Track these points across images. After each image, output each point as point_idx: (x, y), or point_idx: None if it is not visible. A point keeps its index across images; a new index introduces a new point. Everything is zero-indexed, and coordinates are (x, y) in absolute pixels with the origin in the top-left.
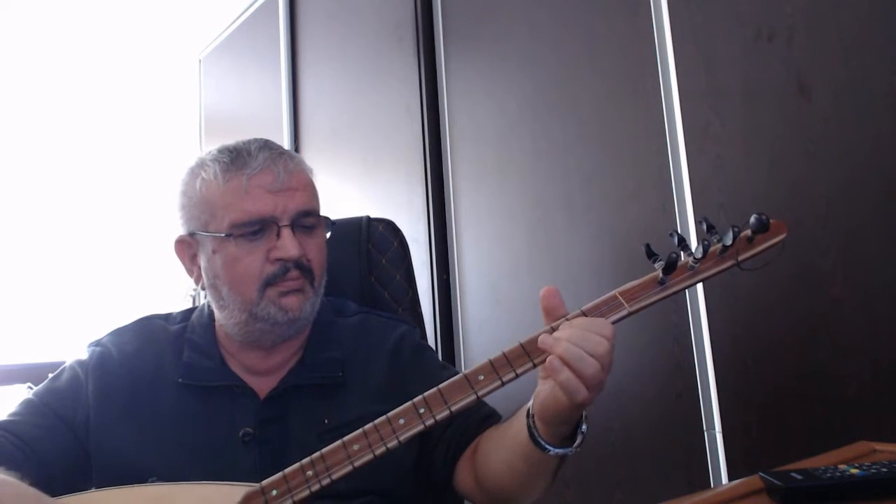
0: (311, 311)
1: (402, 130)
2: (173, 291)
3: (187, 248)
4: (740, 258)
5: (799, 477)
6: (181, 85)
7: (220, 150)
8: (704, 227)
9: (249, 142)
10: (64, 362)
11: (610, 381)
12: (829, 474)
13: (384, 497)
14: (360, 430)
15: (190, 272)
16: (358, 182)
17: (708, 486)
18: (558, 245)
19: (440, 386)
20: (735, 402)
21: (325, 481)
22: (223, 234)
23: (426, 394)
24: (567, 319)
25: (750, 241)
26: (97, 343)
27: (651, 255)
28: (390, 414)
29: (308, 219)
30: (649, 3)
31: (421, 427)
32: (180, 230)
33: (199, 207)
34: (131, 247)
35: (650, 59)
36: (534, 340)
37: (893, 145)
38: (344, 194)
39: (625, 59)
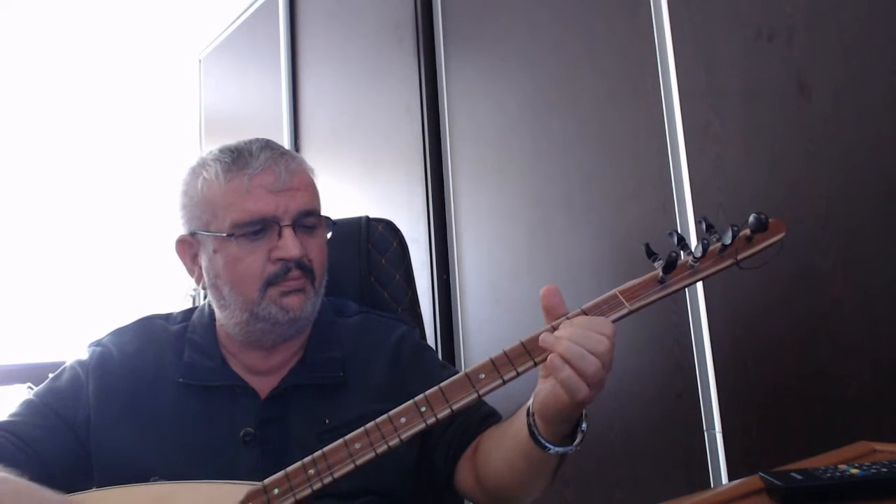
0: (312, 311)
1: (402, 130)
2: (173, 291)
3: (188, 247)
4: (739, 257)
5: (799, 477)
6: (181, 85)
7: (222, 150)
8: (704, 226)
9: (251, 142)
10: (64, 362)
11: (610, 381)
12: (829, 474)
13: (385, 496)
14: (361, 429)
15: (191, 272)
16: (358, 182)
17: (708, 486)
18: (558, 245)
19: (441, 384)
20: (735, 402)
21: (327, 479)
22: (224, 234)
23: (427, 392)
24: (567, 318)
25: (749, 241)
26: (97, 343)
27: (651, 254)
28: (392, 412)
29: (309, 219)
30: (649, 3)
31: (422, 425)
32: (181, 230)
33: (201, 207)
34: (131, 247)
35: (650, 59)
36: (534, 339)
37: (893, 145)
38: (344, 194)
39: (625, 59)
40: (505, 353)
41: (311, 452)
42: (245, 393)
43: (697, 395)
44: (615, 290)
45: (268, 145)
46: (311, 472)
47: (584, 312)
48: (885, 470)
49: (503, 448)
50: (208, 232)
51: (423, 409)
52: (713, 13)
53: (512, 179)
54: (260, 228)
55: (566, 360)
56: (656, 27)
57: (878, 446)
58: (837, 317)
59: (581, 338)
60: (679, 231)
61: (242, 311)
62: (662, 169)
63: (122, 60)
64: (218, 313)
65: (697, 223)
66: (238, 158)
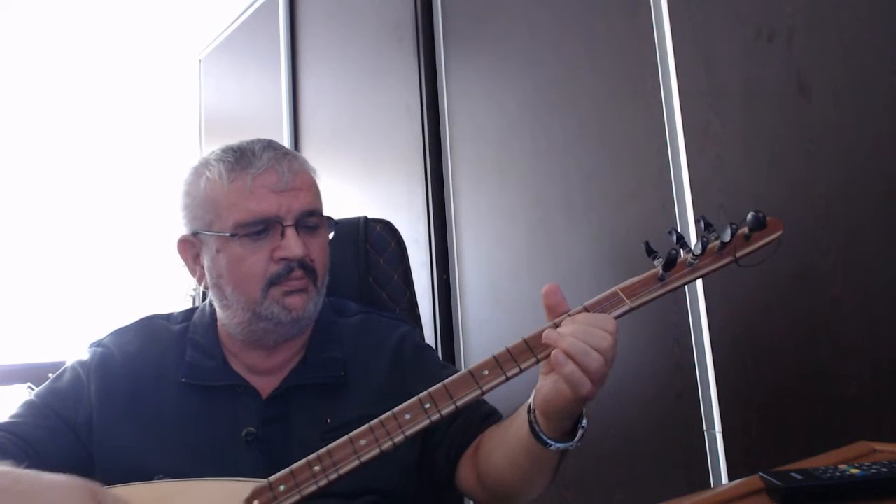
0: (314, 311)
1: (402, 130)
2: (173, 291)
3: (190, 247)
4: (738, 255)
5: (799, 477)
6: (181, 85)
7: (225, 150)
8: (702, 225)
9: (253, 142)
10: (64, 362)
11: (610, 381)
12: (829, 474)
13: (387, 496)
14: (366, 426)
15: (193, 272)
16: (358, 182)
17: (708, 486)
18: (558, 245)
19: (445, 381)
20: (735, 402)
21: (333, 476)
22: (227, 234)
23: (431, 389)
24: (570, 315)
25: (747, 239)
26: (98, 343)
27: (650, 252)
28: (396, 409)
29: (312, 219)
30: (649, 3)
31: (426, 422)
32: (183, 230)
33: (203, 207)
34: (131, 247)
35: (650, 59)
36: (537, 336)
37: (893, 145)
38: (344, 194)
39: (625, 59)
40: (508, 349)
41: (313, 452)
42: (247, 392)
43: (697, 395)
44: (616, 288)
45: (270, 145)
46: (317, 468)
47: (586, 309)
48: (885, 470)
49: (505, 446)
50: (211, 232)
51: (428, 405)
52: (713, 13)
53: (512, 179)
54: (263, 228)
55: (570, 356)
56: (656, 27)
57: (878, 446)
58: (837, 317)
59: (584, 334)
60: (679, 231)
61: (245, 310)
62: (662, 169)
63: (122, 60)
64: (220, 313)
65: (697, 222)
66: (241, 158)
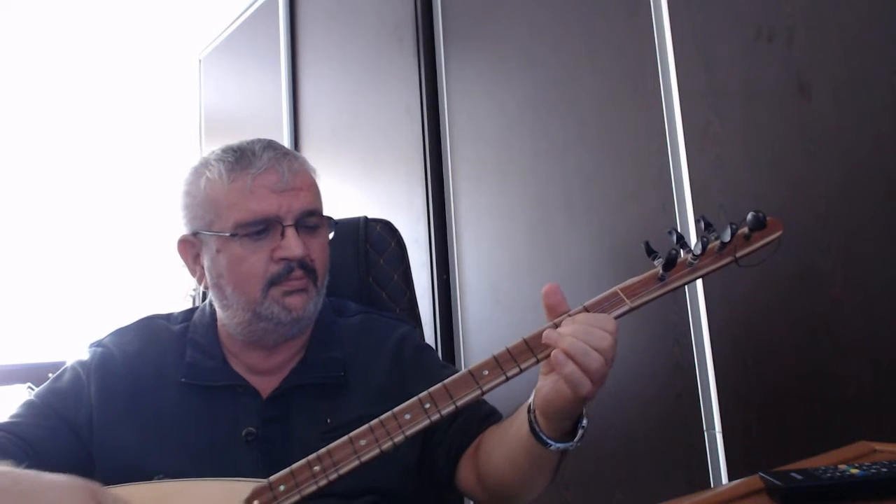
0: (314, 311)
1: (402, 130)
2: (173, 291)
3: (190, 247)
4: (738, 255)
5: (799, 477)
6: (181, 85)
7: (225, 150)
8: (702, 225)
9: (253, 142)
10: (64, 362)
11: (610, 381)
12: (829, 474)
13: (387, 496)
14: (366, 426)
15: (193, 272)
16: (358, 182)
17: (708, 486)
18: (558, 245)
19: (445, 381)
20: (735, 402)
21: (333, 476)
22: (228, 234)
23: (431, 389)
24: (570, 315)
25: (747, 239)
26: (98, 343)
27: (650, 252)
28: (396, 409)
29: (312, 219)
30: (649, 3)
31: (426, 422)
32: (183, 230)
33: (204, 207)
34: (131, 247)
35: (650, 59)
36: (537, 336)
37: (893, 145)
38: (344, 194)
39: (625, 59)
40: (508, 349)
41: (313, 452)
42: (247, 392)
43: (697, 395)
44: (616, 288)
45: (270, 145)
46: (317, 468)
47: (586, 309)
48: (885, 470)
49: (504, 446)
50: (211, 232)
51: (428, 405)
52: (713, 13)
53: (512, 179)
54: (263, 228)
55: (570, 356)
56: (656, 27)
57: (878, 446)
58: (837, 317)
59: (584, 334)
60: (679, 231)
61: (245, 310)
62: (662, 169)
63: (122, 60)
64: (220, 313)
65: (697, 222)
66: (241, 158)
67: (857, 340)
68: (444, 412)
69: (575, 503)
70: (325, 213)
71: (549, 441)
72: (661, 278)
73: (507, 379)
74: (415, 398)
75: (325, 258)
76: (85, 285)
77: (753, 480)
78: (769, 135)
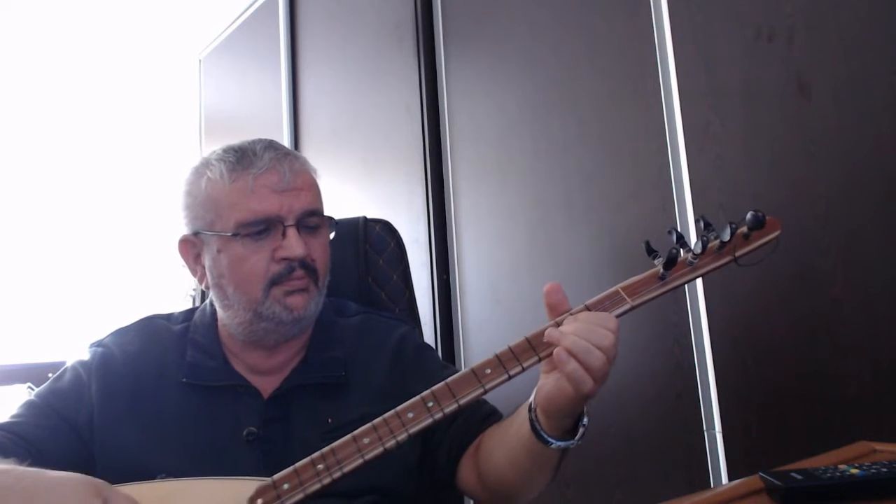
0: (315, 311)
1: (402, 130)
2: (173, 292)
3: (191, 247)
4: (737, 254)
5: (799, 477)
6: (181, 85)
7: (226, 150)
8: (702, 225)
9: (254, 142)
10: (64, 362)
11: (610, 381)
12: (829, 474)
13: (388, 495)
14: (369, 425)
15: (193, 272)
16: (358, 182)
17: (708, 486)
18: (558, 245)
19: (448, 380)
20: (735, 402)
21: (336, 474)
22: (229, 234)
23: (434, 388)
24: (571, 314)
25: (746, 238)
26: (99, 343)
27: (651, 251)
28: (399, 408)
29: (313, 219)
30: (649, 3)
31: (429, 420)
32: (184, 230)
33: (205, 207)
34: (131, 247)
35: (650, 59)
36: (539, 335)
37: (893, 145)
38: (344, 194)
39: (625, 59)
40: (510, 348)
41: (314, 452)
42: (248, 392)
43: (697, 395)
44: (617, 287)
45: (271, 145)
46: (320, 467)
47: (588, 308)
48: (885, 470)
49: (505, 445)
50: (212, 231)
51: (430, 404)
52: (713, 13)
53: (512, 179)
54: (264, 228)
55: (572, 354)
56: (656, 27)
57: (878, 446)
58: (837, 317)
59: (586, 332)
60: (679, 230)
61: (246, 310)
62: (662, 169)
63: (122, 60)
64: (221, 313)
65: (696, 222)
66: (242, 158)
67: (857, 340)
68: (447, 410)
69: (575, 503)
70: (326, 213)
71: (550, 439)
72: (662, 277)
73: (510, 377)
74: (417, 397)
75: (326, 258)
76: (85, 285)
77: (753, 480)
78: (769, 135)
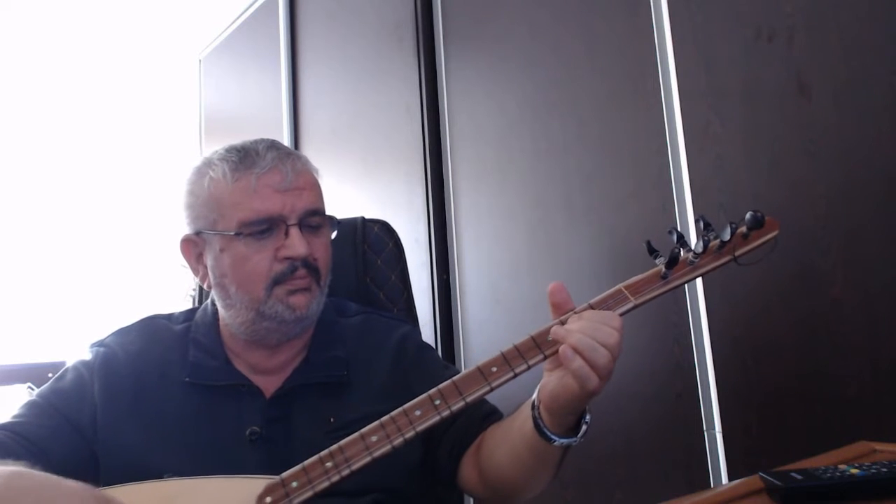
0: (317, 310)
1: (402, 130)
2: (173, 292)
3: (193, 247)
4: (737, 253)
5: (799, 477)
6: (181, 85)
7: (228, 150)
8: (702, 225)
9: (257, 142)
10: (64, 362)
11: (610, 380)
12: (829, 474)
13: (390, 494)
14: (377, 423)
15: (195, 271)
16: (358, 182)
17: (708, 486)
18: (558, 245)
19: (454, 378)
20: (735, 402)
21: (345, 472)
22: (232, 233)
23: (441, 385)
24: (575, 313)
25: (745, 238)
26: (100, 343)
27: (652, 251)
28: (406, 406)
29: (315, 218)
30: (649, 3)
31: (437, 418)
32: (186, 229)
33: (207, 206)
34: (131, 247)
35: (650, 59)
36: (544, 333)
37: (893, 145)
38: (344, 194)
39: (625, 59)
40: (515, 346)
41: (317, 451)
42: (250, 392)
43: (697, 395)
44: (620, 286)
45: (273, 145)
46: (329, 465)
47: (592, 307)
48: (885, 470)
49: (508, 443)
50: (215, 231)
51: (438, 402)
52: (713, 13)
53: (512, 179)
54: (267, 227)
55: (578, 352)
56: (656, 27)
57: (878, 446)
58: (837, 317)
59: (591, 330)
60: (679, 230)
61: (249, 309)
62: (662, 169)
63: (122, 60)
64: (222, 312)
65: (696, 222)
66: (245, 158)
67: (857, 340)
68: (454, 408)
69: (575, 503)
70: (327, 212)
71: (553, 437)
72: (664, 276)
73: (516, 375)
74: (424, 395)
75: (328, 257)
76: (85, 285)
77: (753, 480)
78: (769, 135)
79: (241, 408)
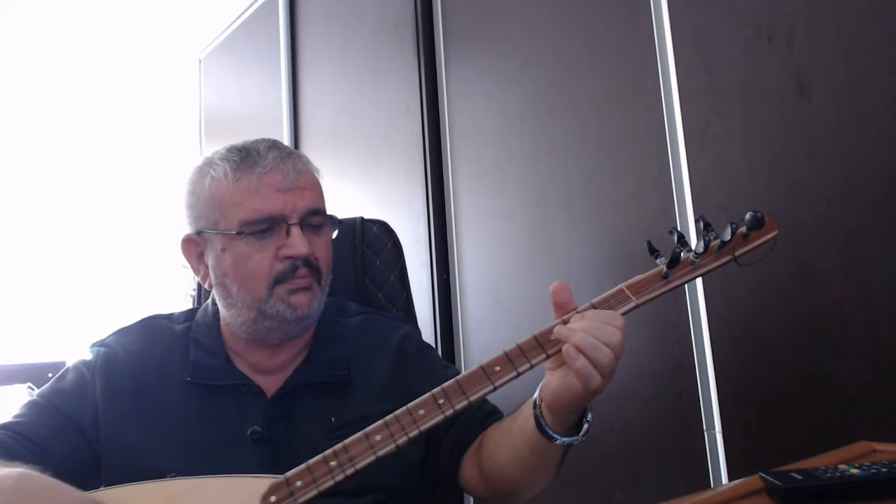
0: (318, 309)
1: (402, 130)
2: (173, 292)
3: (194, 246)
4: (736, 253)
5: (799, 477)
6: (181, 85)
7: (230, 150)
8: (701, 225)
9: (258, 141)
10: (64, 362)
11: (611, 381)
12: (829, 474)
13: (391, 494)
14: (381, 421)
15: (196, 271)
16: (358, 182)
17: (708, 486)
18: (558, 245)
19: (458, 377)
20: (735, 402)
21: (350, 471)
22: (233, 232)
23: (445, 385)
24: (578, 312)
25: (745, 238)
26: (101, 343)
27: (653, 251)
28: (410, 405)
29: (316, 217)
30: (649, 3)
31: (441, 417)
32: (187, 229)
33: (209, 206)
34: (131, 247)
35: (650, 59)
36: (546, 332)
37: (893, 145)
38: (344, 194)
39: (625, 59)
40: (518, 345)
41: (319, 450)
42: (251, 391)
43: (697, 395)
44: (622, 286)
45: (275, 145)
46: (333, 464)
47: (594, 306)
48: (885, 470)
49: (509, 442)
50: (216, 230)
51: (441, 401)
52: (713, 13)
53: (512, 179)
54: (268, 227)
55: (581, 351)
56: (656, 27)
57: (878, 446)
58: (837, 317)
59: (594, 330)
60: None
61: (250, 308)
62: (662, 169)
63: (122, 60)
64: (224, 312)
65: (696, 222)
66: (246, 158)
67: (857, 340)
68: (458, 407)
69: (575, 503)
70: (328, 212)
71: (555, 435)
72: (665, 276)
73: (519, 374)
74: (428, 394)
75: (329, 257)
76: (85, 285)
77: (753, 480)
78: (769, 135)
79: (242, 407)
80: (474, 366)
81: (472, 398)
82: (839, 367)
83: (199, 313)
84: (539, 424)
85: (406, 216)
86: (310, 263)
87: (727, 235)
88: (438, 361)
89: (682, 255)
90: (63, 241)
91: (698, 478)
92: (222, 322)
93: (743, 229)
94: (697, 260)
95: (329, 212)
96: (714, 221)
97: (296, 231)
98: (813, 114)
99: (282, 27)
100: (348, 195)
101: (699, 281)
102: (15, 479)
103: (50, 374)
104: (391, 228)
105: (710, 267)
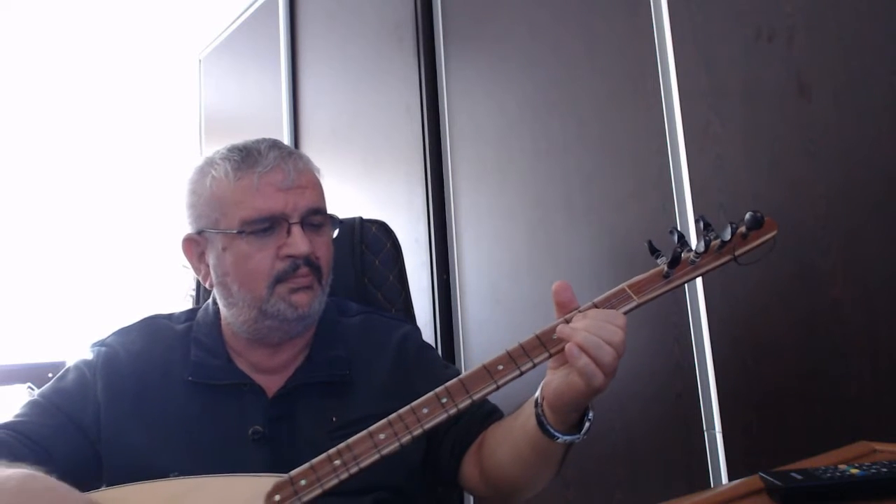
0: (319, 309)
1: (402, 130)
2: (173, 292)
3: (195, 246)
4: (736, 253)
5: (799, 477)
6: (181, 85)
7: (230, 149)
8: (701, 225)
9: (259, 141)
10: (64, 362)
11: (611, 380)
12: (829, 474)
13: (392, 493)
14: (384, 420)
15: (197, 270)
16: (358, 182)
17: (708, 486)
18: (558, 245)
19: (461, 376)
20: (735, 402)
21: (354, 470)
22: (234, 231)
23: (448, 384)
24: (580, 311)
25: (745, 238)
26: (102, 343)
27: (654, 251)
28: (413, 404)
29: (316, 217)
30: (649, 3)
31: (444, 416)
32: (188, 228)
33: (210, 205)
34: (131, 247)
35: (650, 59)
36: (548, 332)
37: (893, 145)
38: (344, 194)
39: (625, 59)
40: (521, 345)
41: (320, 450)
42: (252, 391)
43: (697, 395)
44: (623, 285)
45: (276, 144)
46: (337, 462)
47: (596, 306)
48: (885, 470)
49: (511, 440)
50: (217, 230)
51: (444, 399)
52: (713, 13)
53: (512, 179)
54: (269, 226)
55: (584, 349)
56: (656, 27)
57: (878, 446)
58: (837, 317)
59: (597, 329)
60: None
61: (251, 308)
62: (662, 169)
63: (122, 60)
64: (224, 311)
65: (696, 222)
66: (247, 157)
67: (857, 340)
68: (461, 406)
69: (575, 502)
70: (328, 211)
71: (556, 434)
72: (666, 276)
73: (521, 373)
74: (431, 393)
75: (330, 256)
76: (85, 285)
77: (753, 480)
78: (769, 135)
79: (243, 407)
80: (476, 365)
81: (476, 397)
82: (839, 367)
83: (200, 313)
84: (541, 423)
85: (406, 216)
86: (311, 262)
87: (727, 235)
88: (438, 361)
89: (682, 254)
90: (63, 240)
91: (698, 478)
92: (223, 322)
93: (743, 229)
94: (698, 260)
95: (329, 211)
96: (714, 221)
97: (297, 230)
98: (813, 114)
99: (282, 27)
100: (348, 195)
101: (699, 281)
102: (19, 479)
103: (50, 374)
104: (390, 228)
105: (710, 267)
